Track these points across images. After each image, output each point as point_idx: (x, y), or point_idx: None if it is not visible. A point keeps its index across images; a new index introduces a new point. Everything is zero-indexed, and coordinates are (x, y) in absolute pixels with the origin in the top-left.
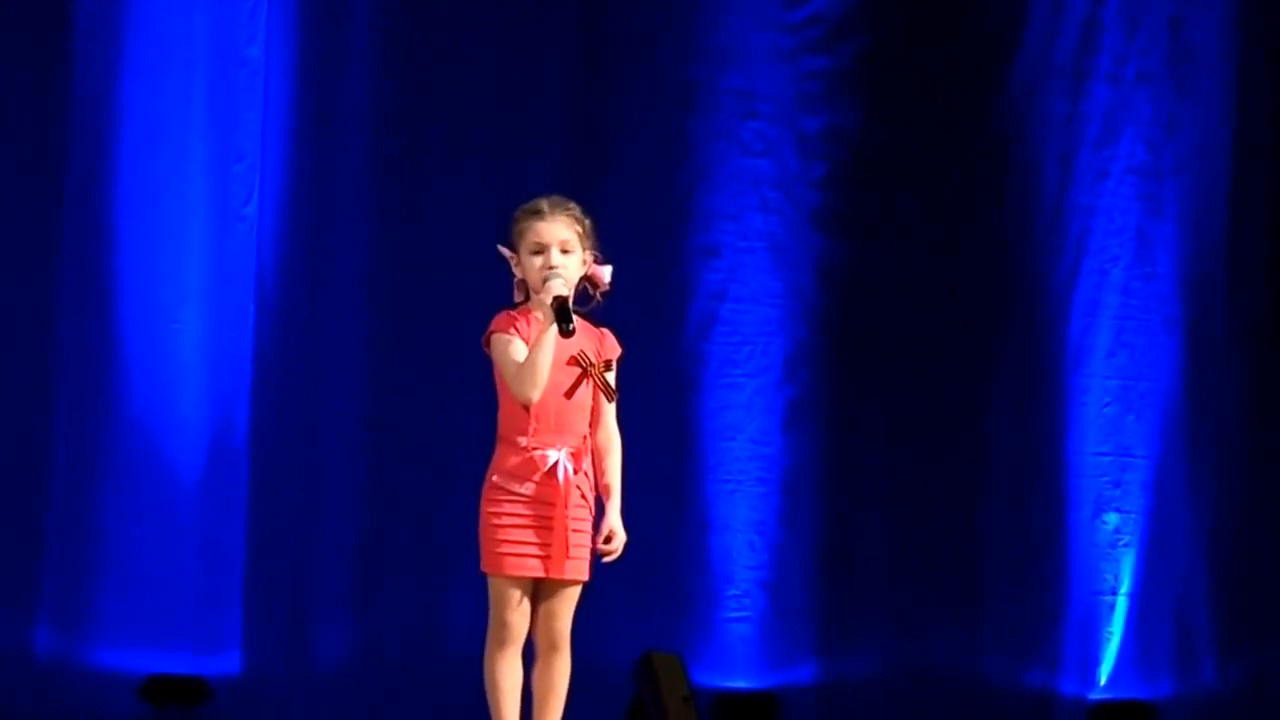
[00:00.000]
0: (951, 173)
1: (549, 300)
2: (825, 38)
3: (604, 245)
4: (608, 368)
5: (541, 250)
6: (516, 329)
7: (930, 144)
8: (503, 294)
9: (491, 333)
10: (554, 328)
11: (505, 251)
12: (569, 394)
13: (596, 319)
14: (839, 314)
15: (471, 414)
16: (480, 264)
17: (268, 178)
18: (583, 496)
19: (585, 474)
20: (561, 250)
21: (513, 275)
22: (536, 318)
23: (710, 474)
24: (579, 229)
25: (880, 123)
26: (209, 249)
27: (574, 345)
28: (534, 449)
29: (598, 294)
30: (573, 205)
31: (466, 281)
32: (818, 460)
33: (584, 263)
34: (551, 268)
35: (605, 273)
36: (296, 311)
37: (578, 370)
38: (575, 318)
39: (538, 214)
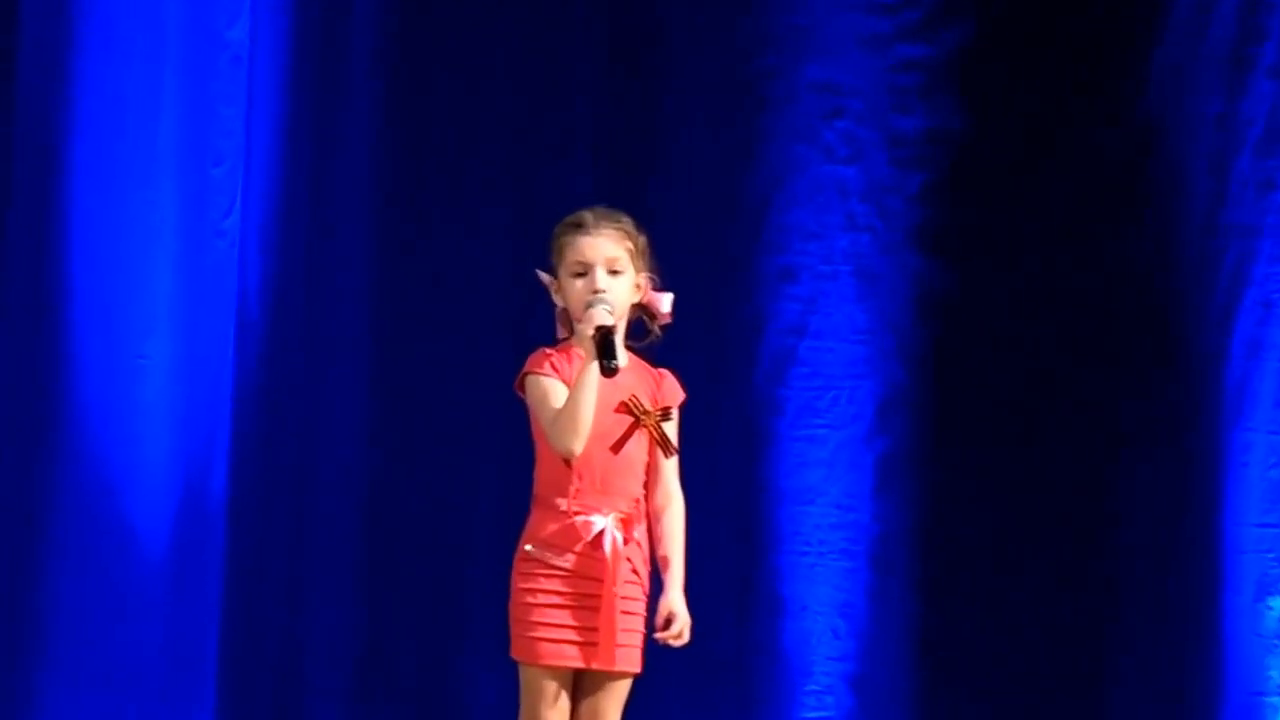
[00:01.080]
0: (1078, 184)
1: (590, 331)
2: (925, 22)
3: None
4: (665, 416)
5: (584, 271)
6: (555, 368)
7: (1052, 149)
8: (539, 328)
9: (526, 373)
10: (595, 367)
11: (544, 277)
12: (617, 447)
13: (654, 358)
14: (941, 352)
15: (499, 472)
16: (507, 290)
17: (251, 185)
18: (635, 571)
19: (638, 544)
20: (609, 270)
21: (553, 305)
22: (579, 354)
23: (785, 545)
24: (630, 246)
25: (991, 123)
26: (180, 270)
27: (625, 389)
28: (576, 513)
29: (656, 327)
30: (624, 218)
31: (491, 311)
32: (915, 529)
33: (637, 287)
34: (596, 291)
35: (664, 301)
36: (286, 345)
37: (628, 419)
38: (627, 354)
39: (579, 227)
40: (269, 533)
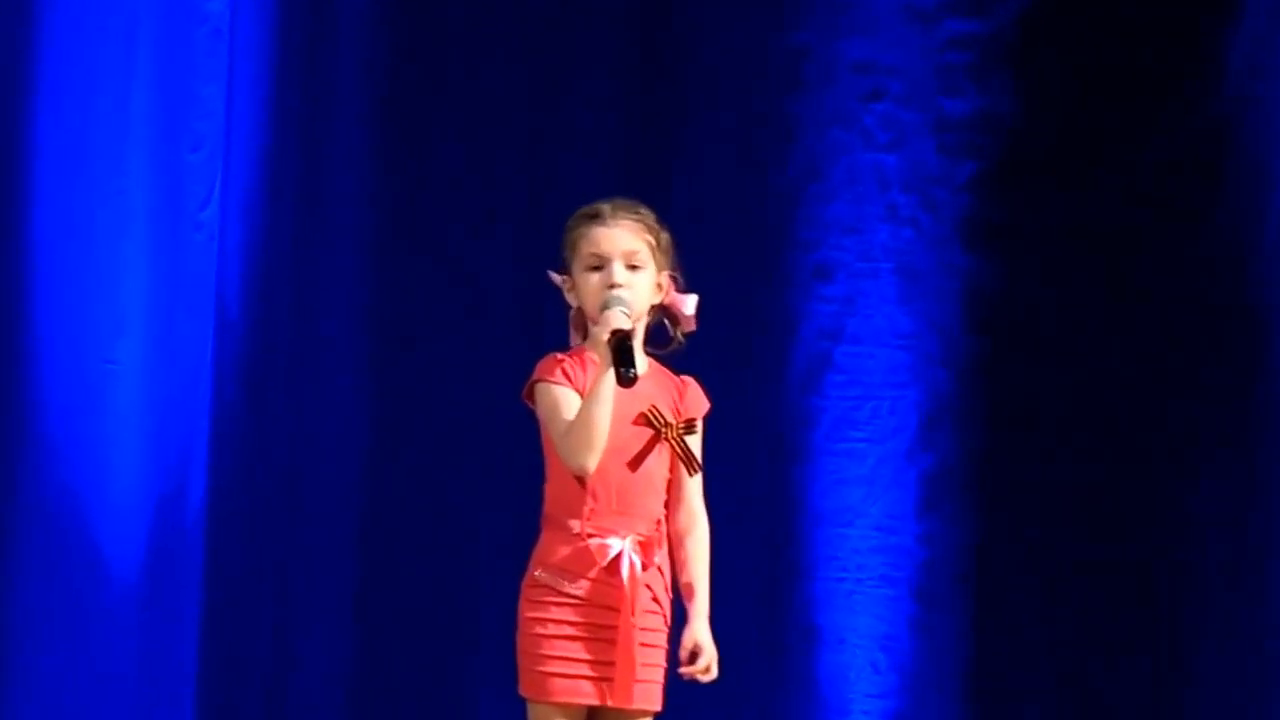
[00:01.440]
0: (1147, 173)
1: (605, 335)
2: None
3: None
4: (689, 429)
5: (600, 264)
6: (567, 375)
7: (1117, 134)
8: (552, 332)
9: (535, 381)
10: (611, 375)
11: (555, 278)
12: (636, 463)
13: (677, 365)
14: (992, 358)
15: (506, 490)
16: (517, 290)
17: (232, 171)
18: (655, 600)
19: (659, 570)
20: (627, 265)
21: (567, 307)
22: (594, 360)
23: (820, 570)
24: (650, 240)
25: (1048, 106)
26: (153, 265)
27: (644, 398)
28: (590, 536)
29: (678, 332)
30: (644, 210)
31: (500, 313)
32: (963, 554)
33: (658, 287)
34: (613, 285)
35: (688, 303)
36: (271, 349)
37: (648, 432)
38: (646, 361)
39: (596, 218)
40: (252, 554)
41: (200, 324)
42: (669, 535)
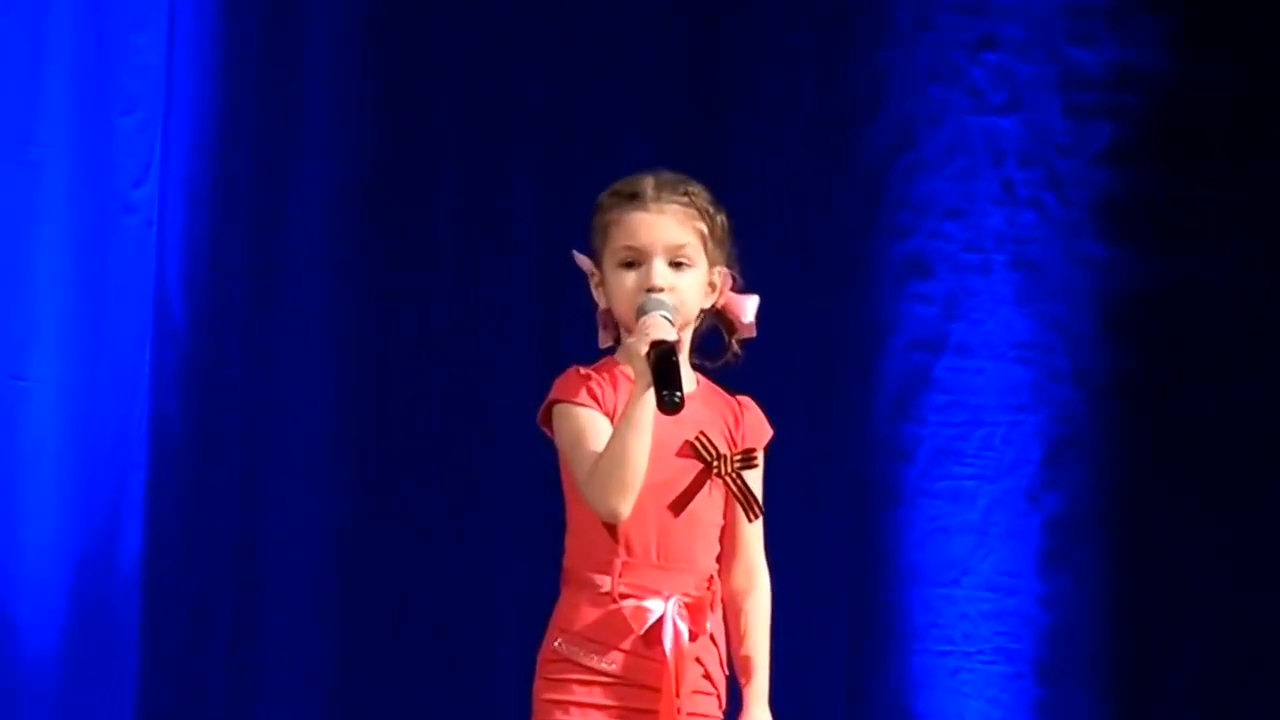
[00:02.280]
0: None
1: (644, 348)
2: None
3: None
4: (748, 462)
5: (637, 260)
6: (594, 395)
7: None
8: (572, 338)
9: (553, 401)
10: (650, 396)
11: (583, 261)
12: (680, 505)
13: (732, 382)
14: (1135, 374)
15: (517, 537)
16: (530, 287)
17: (174, 140)
18: (706, 677)
19: (711, 640)
20: (672, 262)
21: (594, 304)
22: (626, 376)
23: (918, 642)
24: (702, 228)
25: (1206, 58)
26: (75, 258)
27: (690, 424)
28: (624, 596)
29: (734, 342)
30: (694, 188)
31: (508, 316)
32: (1099, 618)
33: (710, 286)
34: (653, 289)
35: (747, 306)
36: (222, 362)
37: (696, 466)
38: (694, 377)
39: (634, 199)
40: (202, 612)
41: (135, 331)
42: (725, 598)
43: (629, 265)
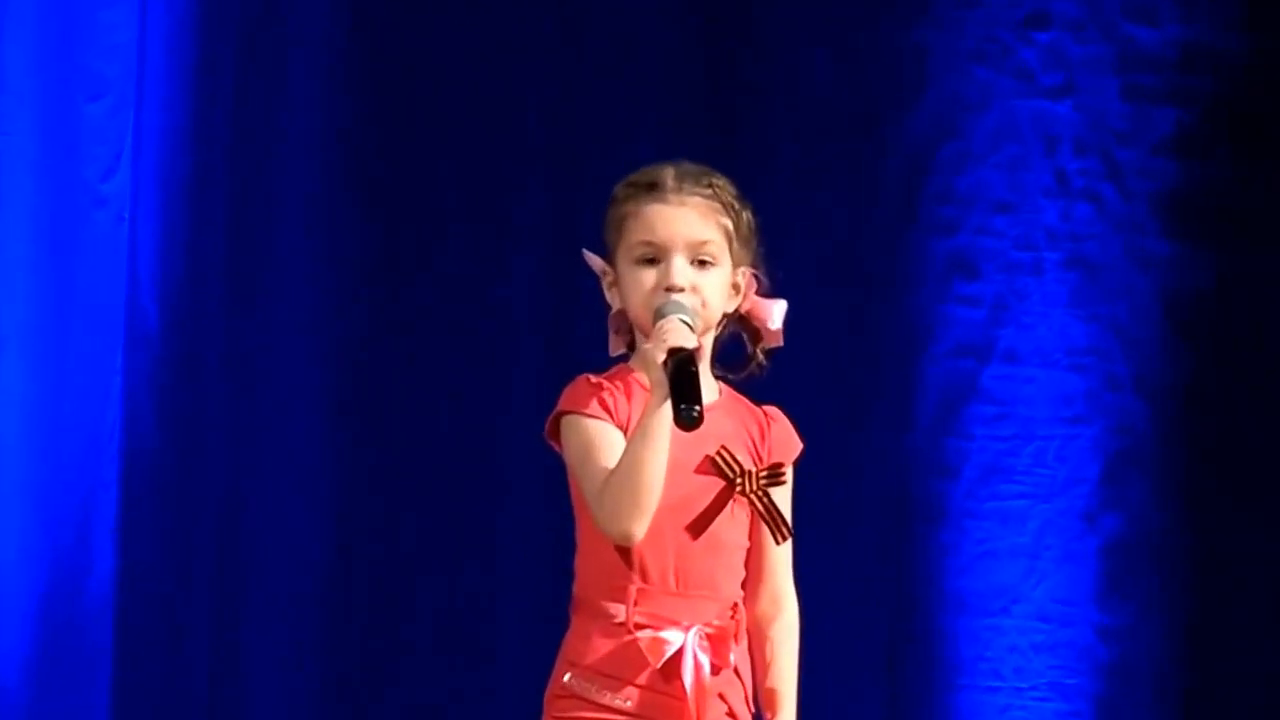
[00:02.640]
0: None
1: (660, 356)
2: None
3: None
4: (775, 478)
5: (655, 257)
6: (605, 406)
7: None
8: (581, 343)
9: (561, 413)
10: (667, 409)
11: (594, 261)
12: (700, 526)
13: (758, 393)
14: (1203, 383)
15: (522, 561)
16: (536, 288)
17: (147, 129)
18: (730, 715)
19: (735, 675)
20: (693, 260)
21: (607, 306)
22: (640, 384)
23: (964, 676)
24: (728, 224)
25: (1277, 35)
26: (39, 256)
27: (711, 438)
28: (640, 626)
29: (758, 352)
30: (719, 181)
31: (512, 319)
32: (1164, 651)
33: (734, 288)
34: (673, 288)
35: (775, 312)
36: (199, 370)
37: (718, 484)
38: (716, 386)
39: (653, 190)
40: (177, 651)
41: (105, 335)
42: (750, 627)
43: (647, 262)
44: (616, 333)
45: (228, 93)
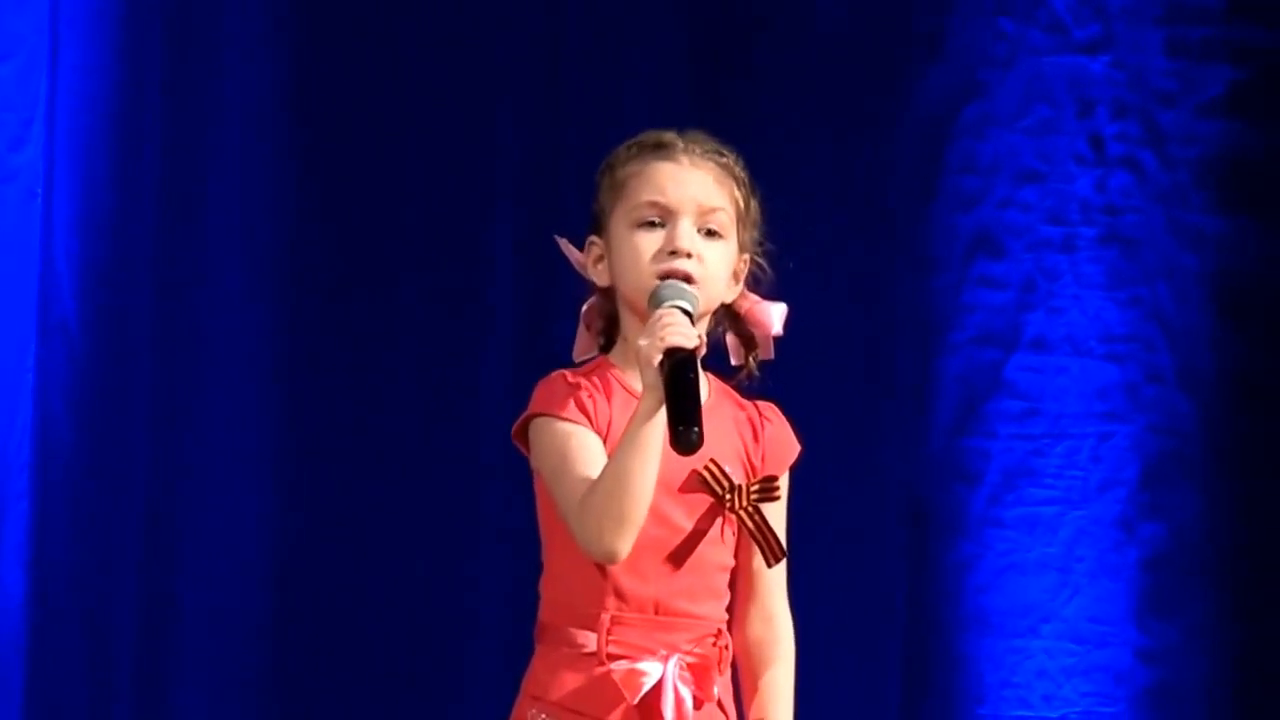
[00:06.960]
0: None
1: (657, 356)
2: None
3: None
4: (767, 492)
5: (661, 219)
6: (583, 409)
7: None
8: (553, 342)
9: (532, 415)
10: (661, 415)
11: (568, 249)
12: (684, 551)
13: (753, 387)
14: (1255, 375)
15: (487, 581)
16: (512, 267)
17: (62, 94)
18: None
19: (720, 709)
20: (704, 230)
21: (580, 297)
22: (622, 383)
23: (987, 704)
24: (738, 197)
25: None
26: None
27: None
28: (614, 656)
29: (751, 359)
30: (729, 153)
31: (476, 302)
32: (1211, 674)
33: (734, 277)
34: (679, 251)
35: (773, 313)
36: (124, 372)
37: (705, 501)
38: (707, 381)
39: (660, 150)
40: (106, 680)
41: (15, 325)
42: (737, 654)
43: (649, 225)
44: (589, 329)
45: (155, 52)
